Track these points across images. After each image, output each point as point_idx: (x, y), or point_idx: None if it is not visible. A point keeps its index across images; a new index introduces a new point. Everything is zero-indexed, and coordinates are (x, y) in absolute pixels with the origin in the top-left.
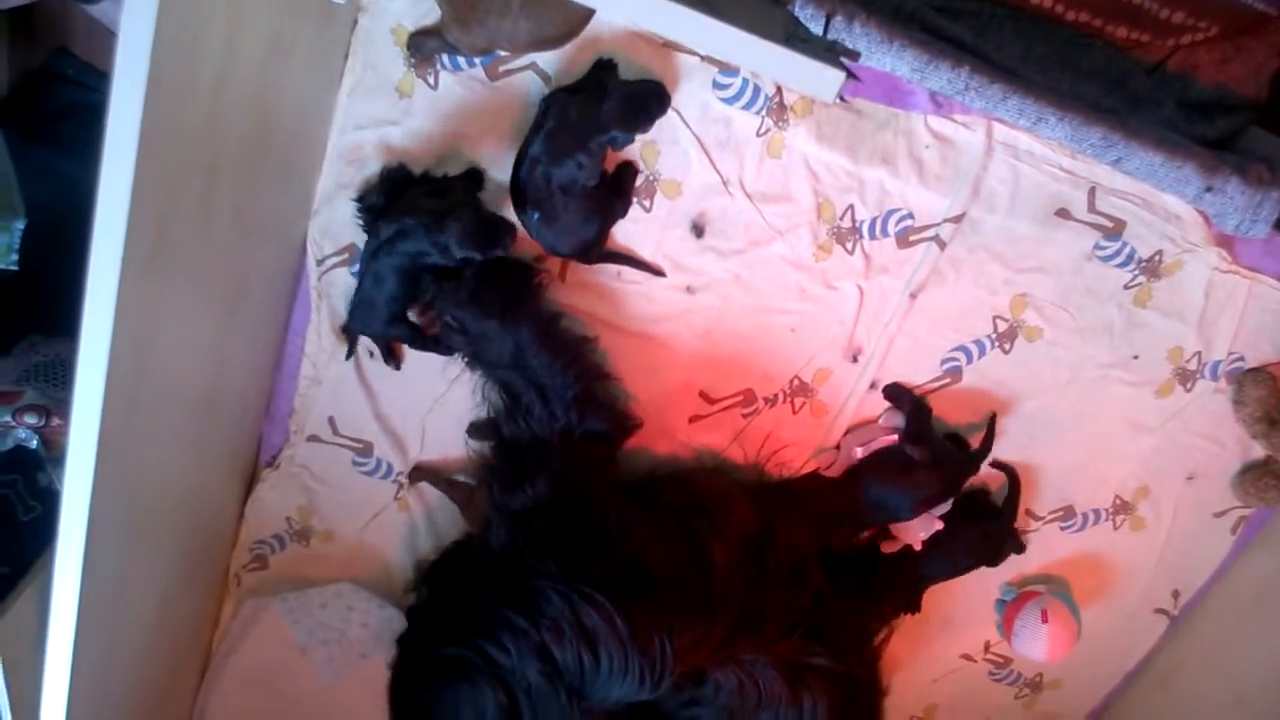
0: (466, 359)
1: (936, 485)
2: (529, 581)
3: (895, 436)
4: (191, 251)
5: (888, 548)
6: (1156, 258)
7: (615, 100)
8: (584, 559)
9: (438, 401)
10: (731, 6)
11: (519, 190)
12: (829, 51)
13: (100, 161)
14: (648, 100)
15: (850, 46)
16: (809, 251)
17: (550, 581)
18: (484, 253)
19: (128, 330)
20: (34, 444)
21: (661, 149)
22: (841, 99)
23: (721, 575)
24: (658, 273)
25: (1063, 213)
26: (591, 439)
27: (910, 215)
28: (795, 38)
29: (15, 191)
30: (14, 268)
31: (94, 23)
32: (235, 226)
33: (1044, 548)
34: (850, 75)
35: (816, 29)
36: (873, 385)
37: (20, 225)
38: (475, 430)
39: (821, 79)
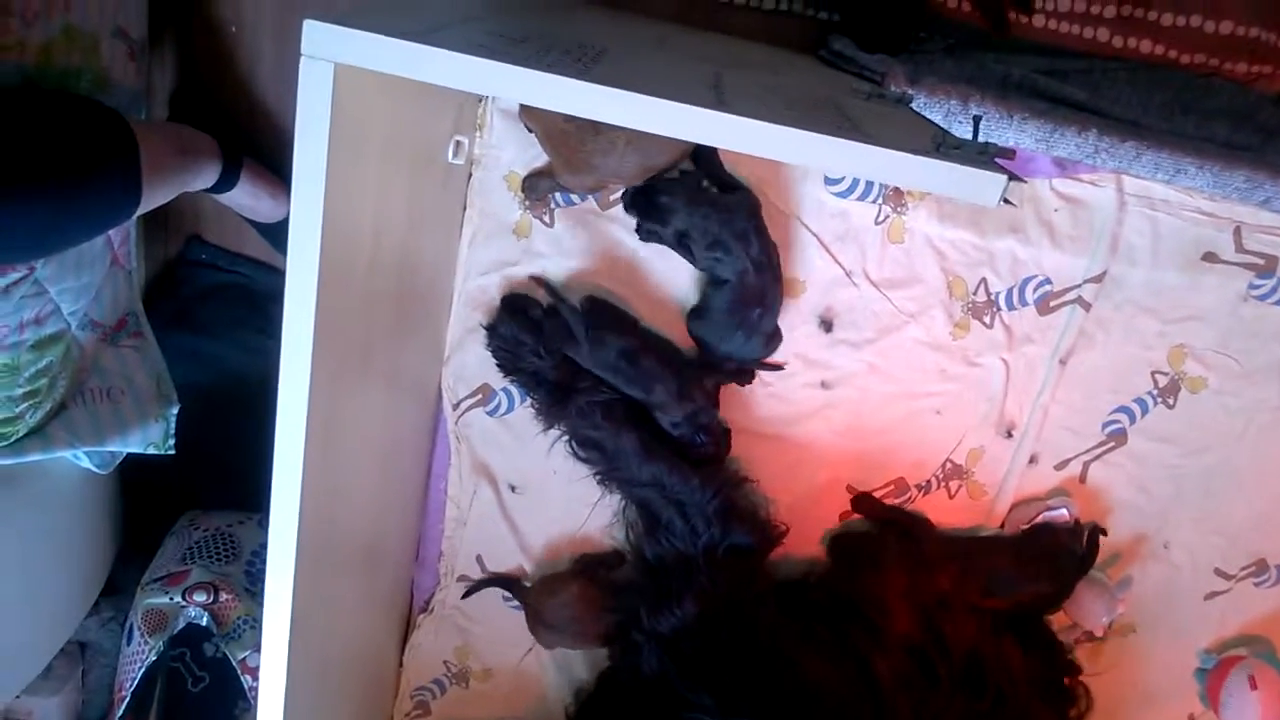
0: (599, 478)
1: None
2: (685, 716)
3: (1064, 513)
4: (356, 423)
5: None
6: None
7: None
8: (739, 685)
9: (581, 528)
10: (877, 123)
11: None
12: (982, 155)
13: (278, 364)
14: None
15: (1000, 145)
16: (945, 331)
17: (707, 715)
18: None
19: (312, 510)
20: (204, 621)
21: (781, 249)
22: (1006, 201)
23: (889, 691)
24: (777, 368)
25: (1210, 256)
26: (737, 552)
27: (1048, 280)
28: (946, 145)
29: (168, 381)
30: (171, 452)
31: (223, 208)
32: (387, 390)
33: (1240, 607)
34: (1013, 176)
35: (961, 133)
36: (1032, 459)
37: (174, 411)
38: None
39: (984, 185)
